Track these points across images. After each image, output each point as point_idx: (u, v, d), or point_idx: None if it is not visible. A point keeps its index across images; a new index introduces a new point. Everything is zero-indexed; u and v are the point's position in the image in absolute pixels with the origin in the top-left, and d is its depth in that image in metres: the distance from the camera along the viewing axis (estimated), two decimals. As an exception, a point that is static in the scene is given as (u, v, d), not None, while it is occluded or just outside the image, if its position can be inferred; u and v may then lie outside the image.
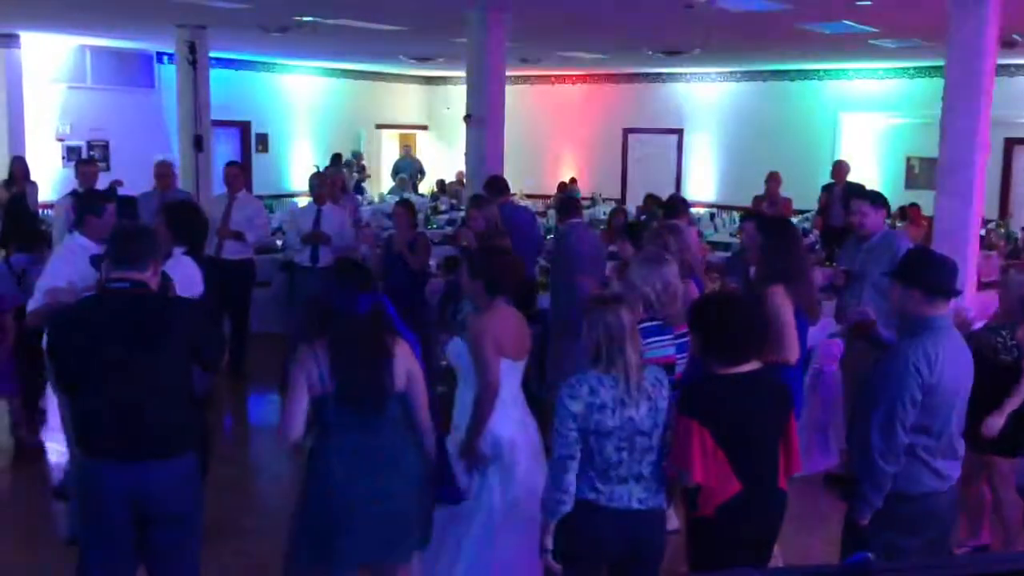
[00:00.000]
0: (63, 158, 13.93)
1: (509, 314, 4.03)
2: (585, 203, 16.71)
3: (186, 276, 4.64)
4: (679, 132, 17.10)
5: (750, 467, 3.29)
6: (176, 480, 3.36)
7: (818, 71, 15.62)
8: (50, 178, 13.45)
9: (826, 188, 11.50)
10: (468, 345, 3.95)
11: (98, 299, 3.56)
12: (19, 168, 11.17)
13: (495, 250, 4.24)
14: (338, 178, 10.46)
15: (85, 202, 5.17)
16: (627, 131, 17.57)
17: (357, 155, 17.70)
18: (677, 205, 7.48)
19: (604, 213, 13.70)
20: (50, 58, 13.82)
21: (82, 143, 14.11)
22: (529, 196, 16.06)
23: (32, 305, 4.68)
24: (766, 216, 7.21)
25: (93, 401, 3.32)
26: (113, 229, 4.06)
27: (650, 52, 12.85)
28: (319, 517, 3.34)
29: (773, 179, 10.97)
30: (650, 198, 11.10)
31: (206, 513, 3.83)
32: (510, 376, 3.98)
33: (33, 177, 11.46)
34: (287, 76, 17.21)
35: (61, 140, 14.00)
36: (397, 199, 10.37)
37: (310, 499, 3.38)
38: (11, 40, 13.17)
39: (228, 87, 14.93)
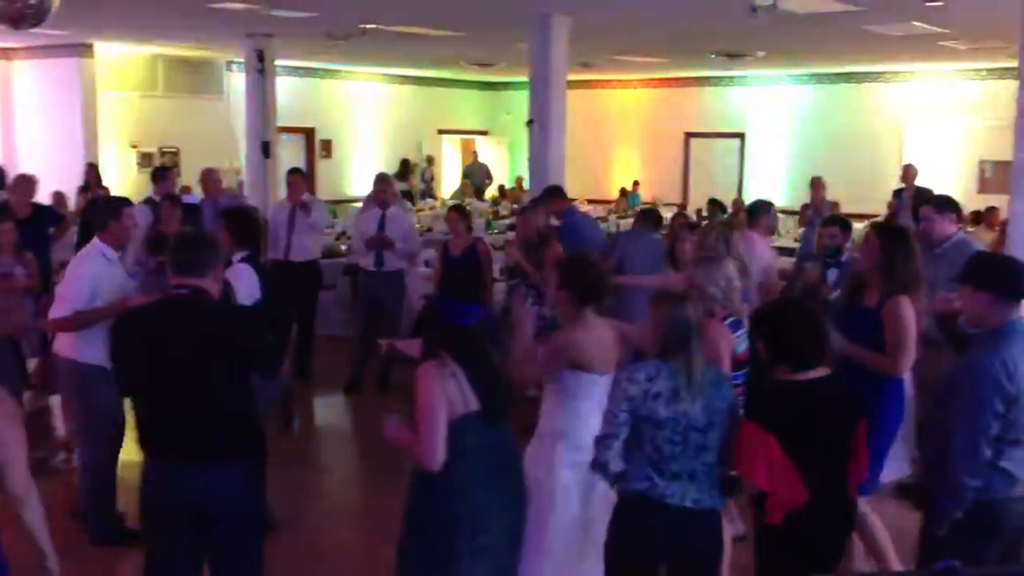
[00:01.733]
0: (136, 165, 14.32)
1: (597, 326, 3.94)
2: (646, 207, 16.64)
3: (244, 283, 4.71)
4: (741, 136, 16.93)
5: (818, 475, 3.24)
6: (233, 485, 3.36)
7: (885, 73, 15.33)
8: (123, 184, 13.84)
9: (897, 193, 11.28)
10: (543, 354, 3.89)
11: (160, 305, 3.62)
12: (92, 175, 11.53)
13: (583, 260, 4.15)
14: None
15: (104, 207, 5.04)
16: (689, 135, 17.45)
17: (429, 159, 18.04)
18: (756, 210, 7.31)
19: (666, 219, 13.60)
20: (123, 67, 14.22)
21: (154, 150, 14.49)
22: (590, 201, 16.04)
23: (55, 313, 4.70)
24: (885, 223, 7.01)
25: (151, 404, 3.37)
26: (176, 236, 4.09)
27: (713, 55, 12.76)
28: (458, 538, 3.25)
29: (817, 185, 10.72)
30: (713, 203, 11.03)
31: (271, 511, 3.90)
32: (592, 390, 3.86)
33: (106, 183, 11.81)
34: (350, 83, 17.44)
35: (134, 147, 14.39)
36: (454, 204, 10.42)
37: (442, 520, 3.27)
38: (85, 50, 13.59)
39: (293, 94, 15.20)
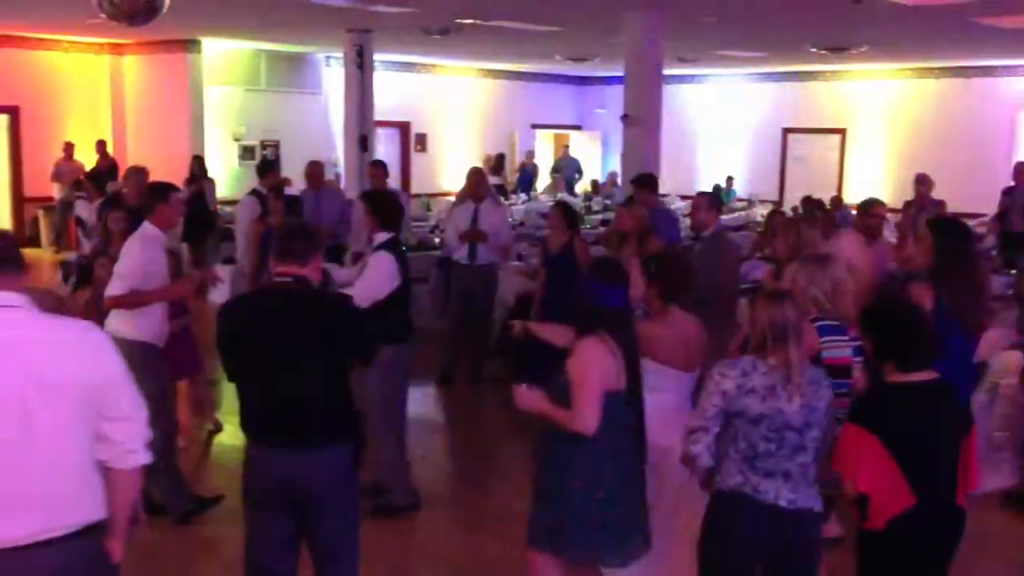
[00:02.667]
0: (239, 157, 14.74)
1: (683, 322, 4.00)
2: (741, 204, 16.38)
3: (380, 272, 4.85)
4: (842, 132, 16.50)
5: (925, 481, 3.15)
6: (330, 470, 3.44)
7: (996, 68, 14.74)
8: (226, 176, 14.28)
9: (1007, 191, 10.85)
10: None
11: (263, 292, 3.70)
12: (198, 166, 11.91)
13: (672, 255, 4.23)
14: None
15: (154, 192, 5.17)
16: (786, 131, 17.09)
17: (529, 154, 18.15)
18: (858, 209, 7.11)
19: (761, 215, 13.38)
20: (228, 63, 14.65)
21: (256, 143, 14.89)
22: (683, 197, 15.86)
23: (112, 291, 4.84)
24: (940, 217, 6.85)
25: (252, 389, 3.47)
26: (280, 226, 4.19)
27: (814, 50, 12.45)
28: (589, 508, 3.43)
29: (922, 182, 10.33)
30: (808, 200, 10.72)
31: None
32: (673, 386, 3.94)
33: (210, 175, 12.19)
34: (445, 77, 17.60)
35: (237, 140, 14.81)
36: (551, 199, 10.43)
37: (574, 492, 3.44)
38: (193, 46, 14.05)
39: (390, 89, 15.42)
